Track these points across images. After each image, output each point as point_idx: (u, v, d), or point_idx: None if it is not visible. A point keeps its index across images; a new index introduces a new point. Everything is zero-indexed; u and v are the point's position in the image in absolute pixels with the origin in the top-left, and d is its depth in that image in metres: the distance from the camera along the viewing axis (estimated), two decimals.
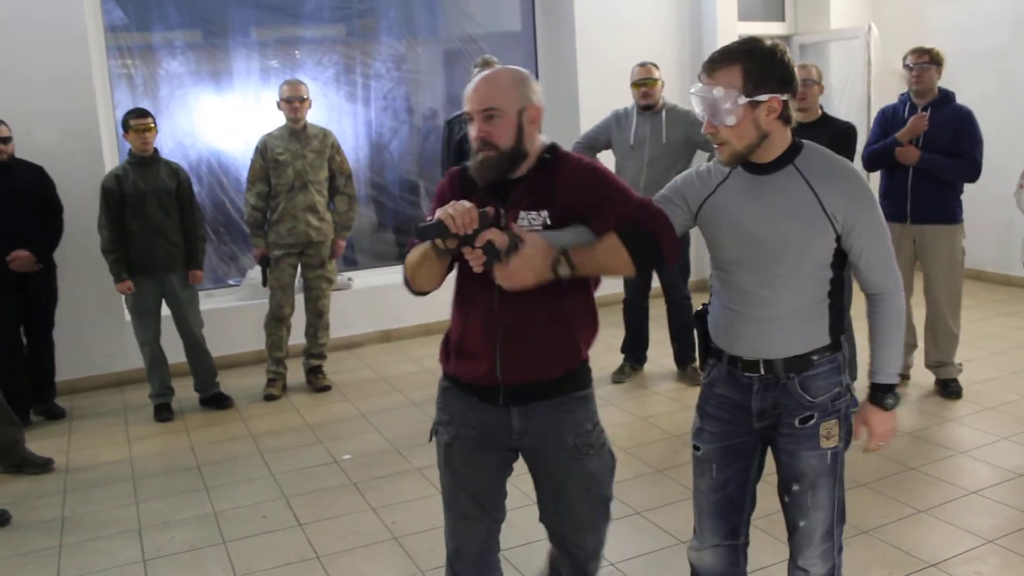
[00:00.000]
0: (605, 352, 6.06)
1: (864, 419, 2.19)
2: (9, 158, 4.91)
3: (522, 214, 2.11)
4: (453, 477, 2.31)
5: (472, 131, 2.12)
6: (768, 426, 2.22)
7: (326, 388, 5.57)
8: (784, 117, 2.06)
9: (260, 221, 5.35)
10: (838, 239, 2.08)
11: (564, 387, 2.21)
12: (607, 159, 5.31)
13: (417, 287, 2.21)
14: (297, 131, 5.29)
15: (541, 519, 2.39)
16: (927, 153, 4.60)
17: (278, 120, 5.35)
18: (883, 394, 2.16)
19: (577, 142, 5.36)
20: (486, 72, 2.18)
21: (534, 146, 2.15)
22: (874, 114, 7.17)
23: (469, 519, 2.32)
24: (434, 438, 2.34)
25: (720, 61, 2.02)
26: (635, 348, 5.50)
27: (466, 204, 1.98)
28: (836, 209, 2.04)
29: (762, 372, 2.17)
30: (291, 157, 5.26)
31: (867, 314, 2.17)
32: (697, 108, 2.08)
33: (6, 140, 4.87)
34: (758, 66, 2.00)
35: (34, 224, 4.97)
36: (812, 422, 2.15)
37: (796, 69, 2.09)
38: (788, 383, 2.15)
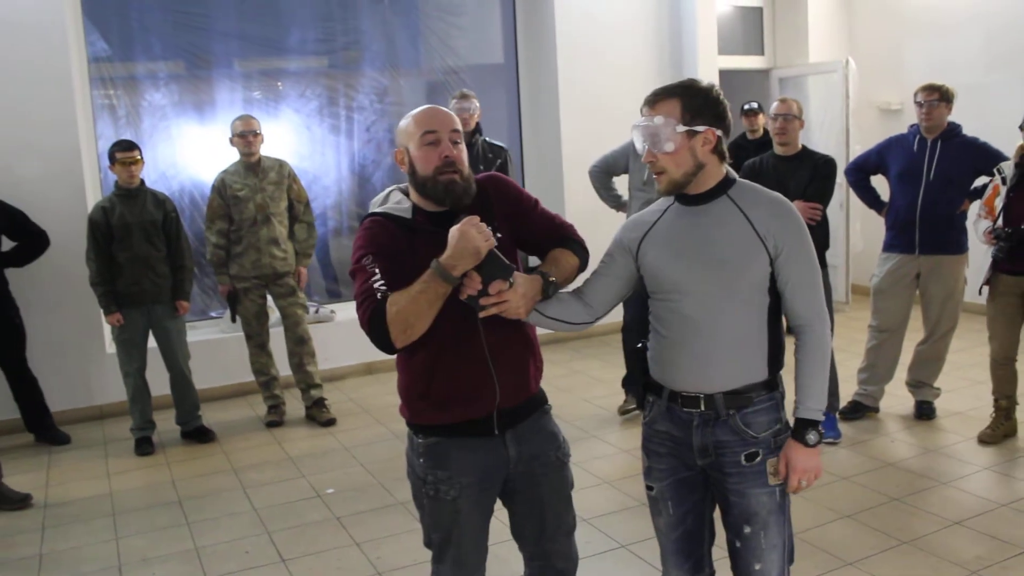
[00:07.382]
0: (594, 384, 6.06)
1: (786, 455, 2.17)
2: None
3: None
4: (460, 529, 2.26)
5: (435, 152, 2.11)
6: (710, 464, 2.21)
7: (331, 422, 5.47)
8: (719, 152, 2.16)
9: (223, 259, 5.36)
10: (772, 262, 2.13)
11: (538, 401, 2.36)
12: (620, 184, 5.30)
13: (415, 335, 2.05)
14: (252, 165, 5.31)
15: (523, 548, 2.42)
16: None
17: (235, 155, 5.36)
18: (805, 430, 2.15)
19: (595, 165, 5.29)
20: (432, 106, 2.22)
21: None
22: (853, 146, 7.28)
23: (469, 567, 2.33)
24: (427, 498, 2.26)
25: (661, 95, 2.15)
26: (635, 381, 5.46)
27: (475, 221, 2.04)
28: (767, 232, 2.11)
29: (702, 408, 2.18)
30: (250, 192, 5.27)
31: (795, 349, 2.18)
32: (638, 141, 2.16)
33: None
34: (694, 100, 2.12)
35: None
36: (759, 459, 2.17)
37: (729, 109, 2.19)
38: (729, 419, 2.16)
